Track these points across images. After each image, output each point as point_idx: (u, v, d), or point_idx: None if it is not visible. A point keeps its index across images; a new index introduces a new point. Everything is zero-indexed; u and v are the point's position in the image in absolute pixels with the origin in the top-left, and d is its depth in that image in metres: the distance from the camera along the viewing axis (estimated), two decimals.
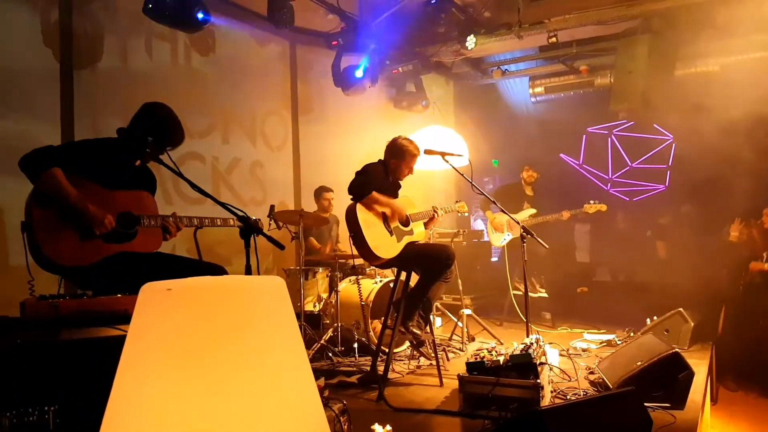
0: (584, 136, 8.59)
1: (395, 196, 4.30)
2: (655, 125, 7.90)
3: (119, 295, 2.29)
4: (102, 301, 2.24)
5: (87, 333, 2.09)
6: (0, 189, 3.91)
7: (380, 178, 4.17)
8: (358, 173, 4.09)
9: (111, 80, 4.82)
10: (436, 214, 4.39)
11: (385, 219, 4.10)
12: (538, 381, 3.18)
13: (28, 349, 1.99)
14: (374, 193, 4.03)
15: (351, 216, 3.98)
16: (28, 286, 2.19)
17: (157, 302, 1.15)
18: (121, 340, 1.09)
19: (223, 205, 2.53)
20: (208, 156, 5.67)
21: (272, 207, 4.68)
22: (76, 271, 2.67)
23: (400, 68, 6.96)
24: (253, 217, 2.52)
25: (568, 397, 3.60)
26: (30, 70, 4.25)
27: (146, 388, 1.07)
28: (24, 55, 4.23)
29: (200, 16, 4.48)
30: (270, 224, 4.62)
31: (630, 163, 8.32)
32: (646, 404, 3.00)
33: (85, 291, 2.56)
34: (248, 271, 2.44)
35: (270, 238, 2.46)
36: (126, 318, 2.22)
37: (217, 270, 3.02)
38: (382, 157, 4.31)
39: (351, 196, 4.04)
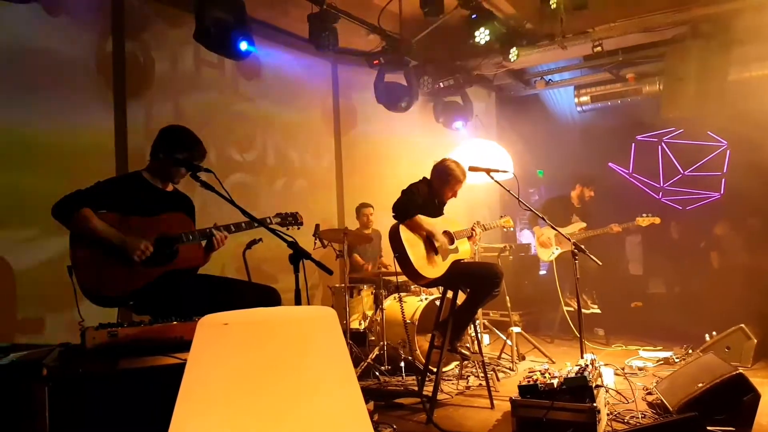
0: (633, 144, 8.37)
1: (440, 214, 4.27)
2: (708, 132, 7.63)
3: (174, 322, 2.35)
4: (158, 328, 2.30)
5: (144, 362, 2.14)
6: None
7: (424, 198, 4.14)
8: (403, 192, 4.07)
9: (162, 107, 4.97)
10: (474, 232, 4.30)
11: (429, 239, 4.06)
12: (595, 405, 3.08)
13: (89, 378, 2.05)
14: (418, 216, 4.00)
15: (395, 236, 3.96)
16: (79, 327, 2.29)
17: (214, 336, 1.19)
18: (177, 368, 1.11)
19: (272, 231, 2.57)
20: (253, 177, 5.78)
21: (317, 226, 4.72)
22: (126, 299, 2.76)
23: (441, 83, 6.95)
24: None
25: (626, 420, 3.47)
26: (85, 97, 4.40)
27: (204, 421, 1.10)
28: (79, 83, 4.37)
29: (244, 47, 4.49)
30: (315, 243, 4.66)
31: (682, 171, 8.05)
32: (709, 428, 2.87)
33: (141, 317, 2.64)
34: (298, 296, 2.46)
35: (318, 264, 2.47)
36: (181, 345, 2.27)
37: (268, 291, 3.06)
38: (428, 175, 4.29)
39: (394, 215, 4.03)
